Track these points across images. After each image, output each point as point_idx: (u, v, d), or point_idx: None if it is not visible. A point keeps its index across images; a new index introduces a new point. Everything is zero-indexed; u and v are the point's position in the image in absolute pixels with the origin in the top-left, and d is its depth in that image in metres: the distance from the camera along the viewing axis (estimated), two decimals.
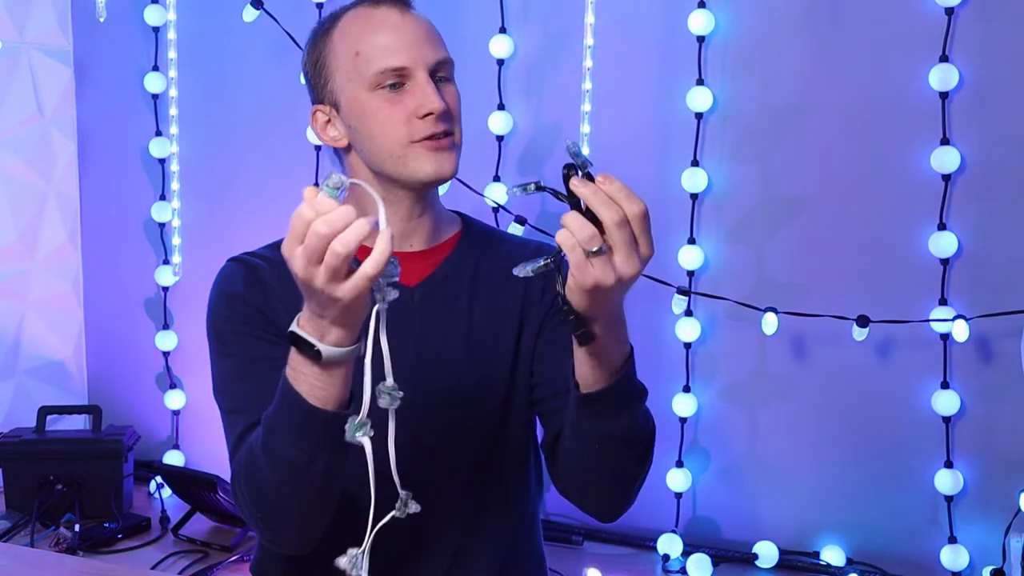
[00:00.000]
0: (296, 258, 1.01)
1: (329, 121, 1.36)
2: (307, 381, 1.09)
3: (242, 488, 1.22)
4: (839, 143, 2.00)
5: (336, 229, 0.98)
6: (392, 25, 1.30)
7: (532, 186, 1.06)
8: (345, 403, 1.11)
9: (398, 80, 1.28)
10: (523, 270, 1.06)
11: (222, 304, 1.35)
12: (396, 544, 1.27)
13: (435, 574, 1.37)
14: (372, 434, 1.03)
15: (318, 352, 1.06)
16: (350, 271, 1.00)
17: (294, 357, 1.10)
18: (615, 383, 1.17)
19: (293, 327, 1.08)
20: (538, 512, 1.49)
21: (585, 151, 2.12)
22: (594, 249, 1.02)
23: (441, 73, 1.31)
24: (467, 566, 1.38)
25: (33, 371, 2.60)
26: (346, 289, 1.00)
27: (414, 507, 1.06)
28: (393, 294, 1.01)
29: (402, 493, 1.05)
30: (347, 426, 1.03)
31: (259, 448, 1.17)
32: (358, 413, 1.04)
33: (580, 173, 1.04)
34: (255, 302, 1.33)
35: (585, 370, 1.16)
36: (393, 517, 1.05)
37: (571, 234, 1.02)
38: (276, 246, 1.41)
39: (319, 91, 1.36)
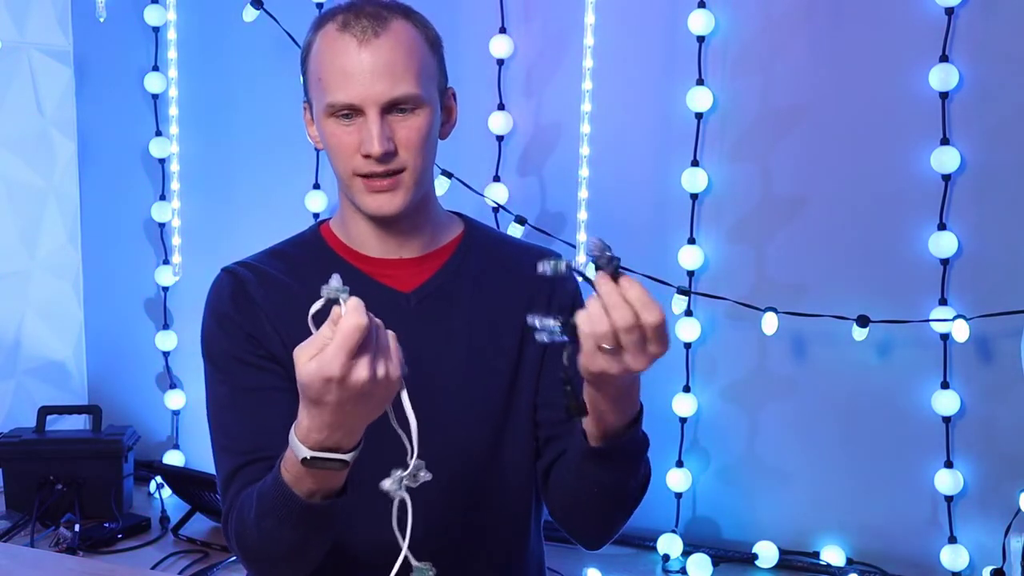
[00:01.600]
0: (358, 368, 1.01)
1: (311, 122, 1.37)
2: (309, 486, 1.11)
3: (232, 542, 1.26)
4: (839, 143, 2.00)
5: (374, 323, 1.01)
6: (349, 57, 1.26)
7: (563, 265, 1.06)
8: (341, 491, 1.13)
9: (350, 112, 1.27)
10: (537, 320, 1.08)
11: (214, 324, 1.36)
12: (393, 551, 1.27)
13: None
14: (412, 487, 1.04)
15: (345, 463, 1.07)
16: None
17: (298, 470, 1.09)
18: (620, 443, 1.21)
19: (305, 454, 1.07)
20: (540, 516, 1.49)
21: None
22: (605, 346, 1.05)
23: (402, 106, 1.27)
24: (466, 569, 1.37)
25: (33, 371, 2.60)
26: (395, 367, 1.03)
27: (425, 475, 1.05)
28: (424, 476, 1.04)
29: (417, 564, 1.05)
30: (390, 481, 1.03)
31: (252, 522, 1.19)
32: (403, 468, 1.05)
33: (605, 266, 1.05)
34: (244, 323, 1.33)
35: (590, 427, 1.21)
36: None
37: (588, 323, 1.05)
38: (271, 254, 1.41)
39: (304, 90, 1.37)
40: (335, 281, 0.99)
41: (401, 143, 1.27)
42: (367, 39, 1.26)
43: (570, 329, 1.07)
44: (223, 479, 1.30)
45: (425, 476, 1.04)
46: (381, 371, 1.01)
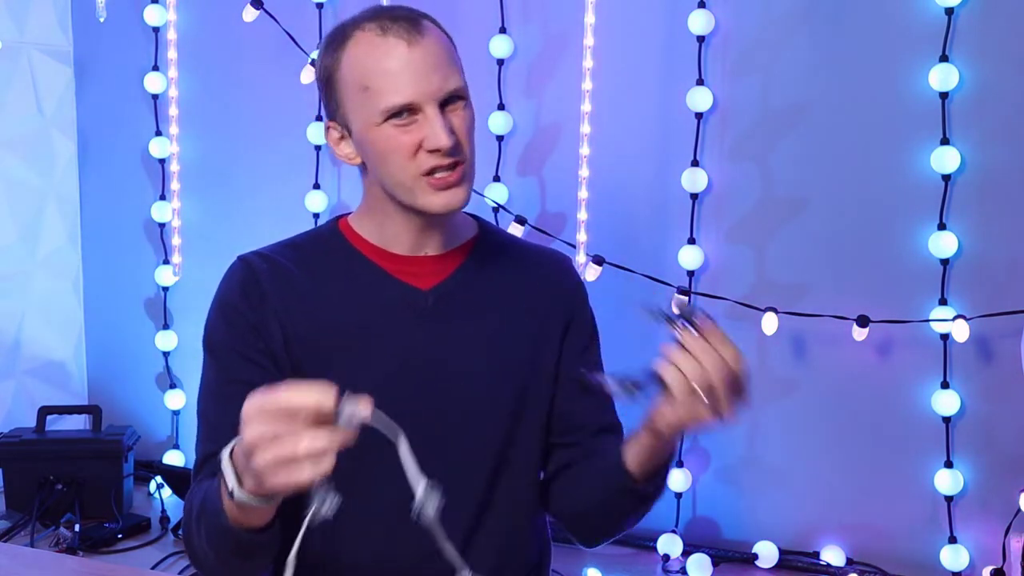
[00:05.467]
0: (253, 425, 0.96)
1: (343, 138, 1.34)
2: (226, 497, 1.07)
3: (183, 530, 1.26)
4: (839, 143, 2.00)
5: (313, 438, 0.95)
6: (400, 57, 1.25)
7: (659, 314, 1.11)
8: (265, 529, 1.10)
9: (404, 111, 1.26)
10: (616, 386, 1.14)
11: (219, 313, 1.36)
12: (399, 547, 1.27)
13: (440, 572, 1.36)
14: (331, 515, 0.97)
15: (232, 492, 1.04)
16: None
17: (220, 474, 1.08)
18: (663, 478, 1.28)
19: (224, 455, 1.04)
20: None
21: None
22: (697, 388, 1.10)
23: (454, 99, 1.27)
24: (471, 563, 1.37)
25: (33, 371, 2.60)
26: (276, 482, 0.97)
27: (330, 510, 0.98)
28: (323, 513, 0.96)
29: (322, 491, 0.97)
30: (313, 510, 0.97)
31: (194, 520, 1.19)
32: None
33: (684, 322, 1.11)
34: (249, 314, 1.33)
35: (643, 461, 1.25)
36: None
37: (677, 372, 1.09)
38: (287, 245, 1.40)
39: (331, 109, 1.34)
40: (347, 407, 0.96)
41: (459, 134, 1.28)
42: (414, 39, 1.26)
43: (656, 380, 1.12)
44: (196, 463, 1.32)
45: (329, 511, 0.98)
46: (260, 459, 0.96)
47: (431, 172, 1.27)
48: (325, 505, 0.96)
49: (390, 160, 1.28)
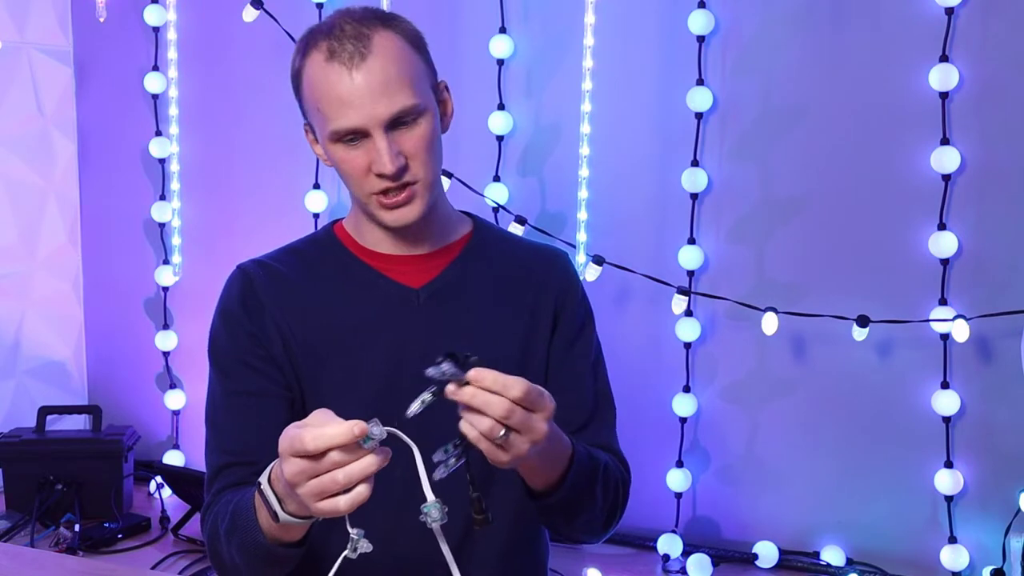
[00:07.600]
0: (291, 463, 1.03)
1: (316, 141, 1.38)
2: (265, 518, 1.13)
3: (206, 539, 1.31)
4: (839, 143, 2.00)
5: (347, 462, 1.02)
6: (343, 84, 1.26)
7: (429, 397, 1.07)
8: (301, 542, 1.16)
9: (355, 136, 1.28)
10: (442, 472, 1.09)
11: (221, 322, 1.39)
12: (394, 547, 1.27)
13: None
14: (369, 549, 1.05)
15: (276, 515, 1.10)
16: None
17: (258, 497, 1.14)
18: (561, 491, 1.25)
19: (263, 481, 1.11)
20: None
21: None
22: (499, 435, 1.07)
23: (404, 119, 1.28)
24: (465, 558, 1.37)
25: (33, 371, 2.60)
26: (320, 509, 1.04)
27: (365, 546, 1.05)
28: (364, 547, 1.04)
29: (353, 532, 1.05)
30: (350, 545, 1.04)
31: (222, 534, 1.24)
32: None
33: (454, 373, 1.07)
34: (248, 323, 1.36)
35: (532, 481, 1.25)
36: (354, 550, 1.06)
37: (473, 428, 1.07)
38: (287, 251, 1.44)
39: (302, 111, 1.38)
40: (376, 428, 1.02)
41: (409, 154, 1.29)
42: (356, 64, 1.26)
43: (463, 445, 1.09)
44: (209, 474, 1.35)
45: (365, 546, 1.05)
46: (301, 491, 1.03)
47: (382, 192, 1.30)
48: (356, 548, 1.04)
49: (346, 176, 1.33)
